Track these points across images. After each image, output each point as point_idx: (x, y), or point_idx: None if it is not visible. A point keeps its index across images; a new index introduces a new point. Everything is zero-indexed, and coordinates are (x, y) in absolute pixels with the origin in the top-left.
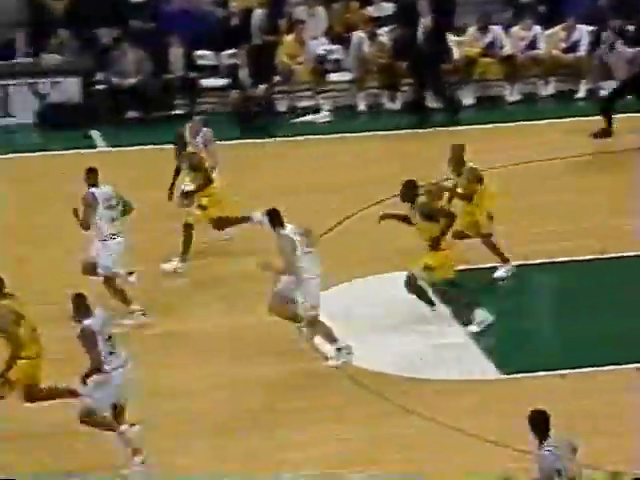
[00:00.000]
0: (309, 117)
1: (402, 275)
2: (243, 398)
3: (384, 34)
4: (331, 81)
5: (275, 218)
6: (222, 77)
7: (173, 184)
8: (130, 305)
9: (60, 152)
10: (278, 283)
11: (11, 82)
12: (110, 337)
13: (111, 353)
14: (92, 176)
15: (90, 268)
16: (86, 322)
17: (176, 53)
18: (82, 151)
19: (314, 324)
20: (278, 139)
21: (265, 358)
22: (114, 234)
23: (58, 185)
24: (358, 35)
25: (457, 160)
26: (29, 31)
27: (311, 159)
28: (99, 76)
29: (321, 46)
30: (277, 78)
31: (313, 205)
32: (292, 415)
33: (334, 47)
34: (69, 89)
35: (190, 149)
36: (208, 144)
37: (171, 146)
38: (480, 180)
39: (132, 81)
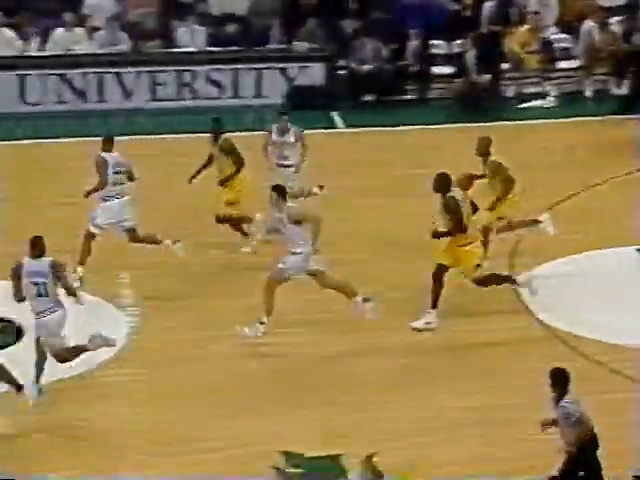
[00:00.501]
0: (534, 102)
1: (624, 250)
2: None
3: (615, 24)
4: (559, 68)
5: (284, 194)
6: (452, 65)
7: (199, 171)
8: (76, 268)
9: (305, 131)
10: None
11: (264, 66)
12: (44, 284)
13: (39, 296)
14: (107, 143)
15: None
16: (23, 259)
17: (412, 42)
18: (323, 131)
19: (270, 284)
20: (503, 123)
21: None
22: (116, 194)
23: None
24: (589, 24)
25: (481, 153)
26: (283, 20)
27: (534, 142)
28: (341, 62)
29: (552, 35)
30: (506, 65)
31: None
32: (507, 377)
33: (564, 36)
34: (314, 74)
35: (274, 146)
36: (299, 140)
37: (402, 128)
38: (498, 174)
39: (369, 67)
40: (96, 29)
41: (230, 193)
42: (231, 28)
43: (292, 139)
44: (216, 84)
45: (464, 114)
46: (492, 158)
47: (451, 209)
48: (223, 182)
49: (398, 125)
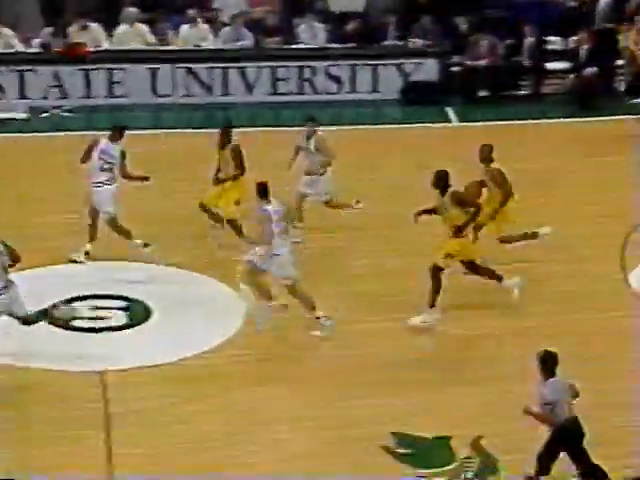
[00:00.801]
0: None
1: None
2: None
3: None
4: None
5: (263, 191)
6: (566, 61)
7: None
8: (133, 239)
9: (420, 125)
10: (251, 253)
11: (381, 62)
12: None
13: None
14: (114, 132)
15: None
16: None
17: (528, 39)
18: (437, 125)
19: (293, 293)
20: (616, 117)
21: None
22: (99, 182)
23: (413, 153)
24: None
25: (483, 160)
26: (399, 17)
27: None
28: (455, 58)
29: None
30: (620, 62)
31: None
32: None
33: None
34: (429, 69)
35: (302, 151)
36: (320, 147)
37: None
38: (497, 182)
39: (484, 63)
40: (223, 24)
41: (237, 192)
42: (349, 25)
43: (312, 147)
44: (335, 79)
45: (577, 109)
46: (493, 165)
47: (461, 200)
48: (221, 181)
49: (512, 120)
